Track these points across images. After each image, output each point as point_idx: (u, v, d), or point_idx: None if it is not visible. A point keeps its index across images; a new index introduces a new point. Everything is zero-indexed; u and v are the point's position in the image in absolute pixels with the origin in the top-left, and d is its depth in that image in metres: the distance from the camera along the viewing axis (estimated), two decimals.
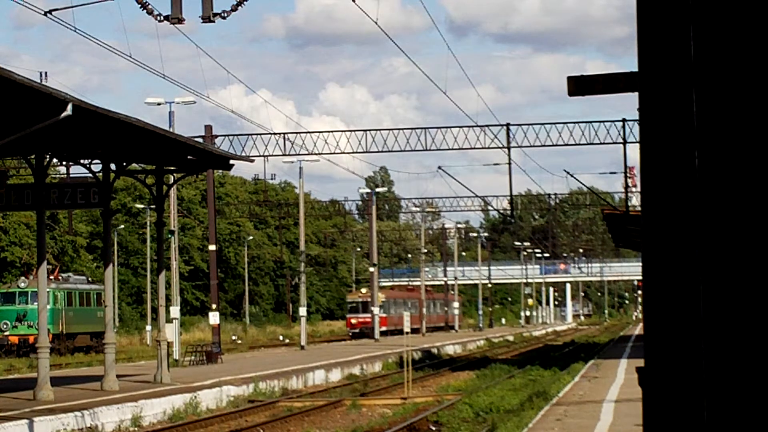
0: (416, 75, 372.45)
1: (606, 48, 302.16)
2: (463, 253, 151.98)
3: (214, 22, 22.81)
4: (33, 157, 33.48)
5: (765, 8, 5.76)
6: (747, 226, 5.72)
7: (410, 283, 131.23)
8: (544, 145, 59.48)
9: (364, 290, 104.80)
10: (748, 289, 5.72)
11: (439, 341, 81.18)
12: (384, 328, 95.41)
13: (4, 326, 68.58)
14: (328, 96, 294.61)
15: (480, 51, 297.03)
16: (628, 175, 58.66)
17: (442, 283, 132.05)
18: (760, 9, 5.77)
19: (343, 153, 62.58)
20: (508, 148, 58.51)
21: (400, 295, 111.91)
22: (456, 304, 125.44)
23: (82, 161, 36.02)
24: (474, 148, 60.02)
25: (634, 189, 68.19)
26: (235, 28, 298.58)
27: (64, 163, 40.59)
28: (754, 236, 5.72)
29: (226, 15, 22.71)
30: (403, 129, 61.74)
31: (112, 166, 35.30)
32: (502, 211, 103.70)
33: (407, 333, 52.50)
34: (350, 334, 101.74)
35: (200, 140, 51.99)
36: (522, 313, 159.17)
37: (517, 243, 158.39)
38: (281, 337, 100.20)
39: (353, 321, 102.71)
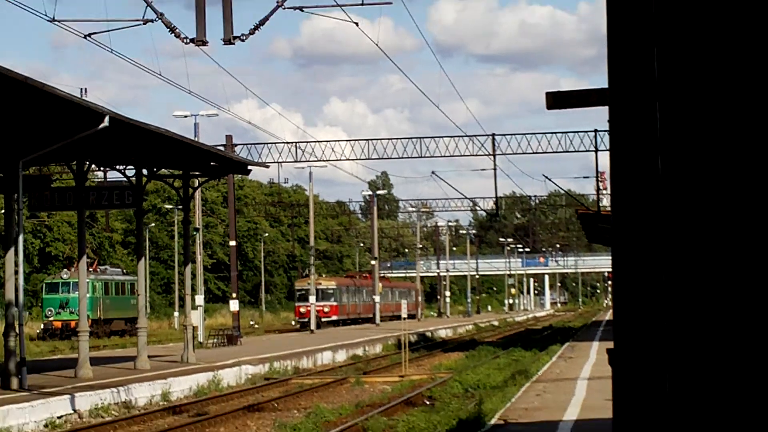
0: (409, 90, 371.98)
1: (576, 67, 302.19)
2: (454, 248, 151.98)
3: (234, 44, 22.75)
4: (74, 163, 33.51)
5: (720, 32, 5.77)
6: (704, 224, 5.73)
7: (407, 274, 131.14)
8: (525, 153, 59.65)
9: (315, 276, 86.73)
10: (705, 279, 5.72)
11: (432, 325, 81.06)
12: (335, 317, 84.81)
13: (49, 312, 68.74)
14: (331, 109, 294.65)
15: (465, 70, 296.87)
16: (599, 179, 58.72)
17: (435, 274, 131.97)
18: (715, 32, 5.78)
19: (348, 159, 62.67)
20: (494, 155, 58.58)
21: (351, 282, 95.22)
22: (449, 295, 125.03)
23: (117, 167, 36.04)
24: (463, 156, 60.21)
25: (604, 191, 68.10)
26: (247, 49, 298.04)
27: (101, 168, 40.60)
28: (710, 233, 5.72)
29: (244, 38, 22.68)
30: (400, 138, 61.86)
31: (144, 171, 35.33)
32: (488, 211, 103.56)
33: (404, 318, 52.47)
34: (298, 323, 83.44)
35: (222, 148, 51.99)
36: (506, 301, 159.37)
37: (501, 239, 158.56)
38: (293, 322, 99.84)
39: (302, 310, 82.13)
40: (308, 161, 63.42)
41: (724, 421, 5.62)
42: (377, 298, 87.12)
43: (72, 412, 25.48)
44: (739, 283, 5.69)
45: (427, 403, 27.60)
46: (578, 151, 59.38)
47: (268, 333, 78.22)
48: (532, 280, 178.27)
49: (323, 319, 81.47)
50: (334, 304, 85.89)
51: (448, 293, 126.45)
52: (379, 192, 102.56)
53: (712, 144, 5.73)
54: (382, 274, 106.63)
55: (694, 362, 5.70)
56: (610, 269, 6.22)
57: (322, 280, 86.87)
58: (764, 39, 5.76)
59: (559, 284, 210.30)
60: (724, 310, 5.69)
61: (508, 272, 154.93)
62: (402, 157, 61.29)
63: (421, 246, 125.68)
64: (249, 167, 42.09)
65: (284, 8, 23.85)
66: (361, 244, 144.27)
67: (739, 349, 5.67)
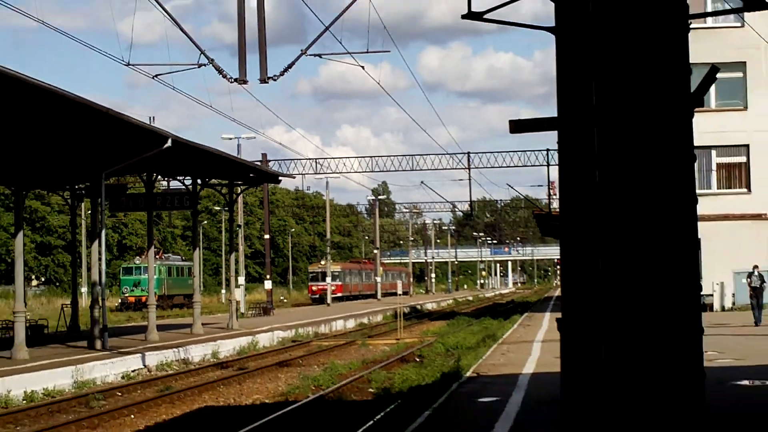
0: (403, 119, 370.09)
1: (532, 101, 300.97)
2: (438, 241, 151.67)
3: (268, 82, 22.59)
4: (144, 174, 33.52)
5: (643, 73, 5.78)
6: (630, 222, 5.75)
7: (401, 260, 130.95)
8: (493, 167, 59.88)
9: (323, 262, 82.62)
10: (632, 265, 5.74)
11: (421, 300, 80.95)
12: (340, 294, 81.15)
13: (125, 290, 68.81)
14: (343, 133, 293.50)
15: (446, 103, 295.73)
16: (550, 187, 58.81)
17: (423, 260, 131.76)
18: (639, 74, 5.80)
19: (356, 172, 62.87)
20: (469, 169, 58.67)
21: (353, 266, 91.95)
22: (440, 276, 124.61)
23: (178, 177, 36.04)
24: (445, 169, 60.30)
25: (554, 196, 68.12)
26: (278, 87, 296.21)
27: (165, 178, 40.45)
28: (636, 228, 5.74)
29: (276, 78, 22.55)
30: (396, 156, 61.99)
31: (198, 181, 35.33)
32: (464, 212, 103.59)
33: (399, 295, 52.42)
34: (311, 299, 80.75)
35: (258, 163, 51.94)
36: (478, 281, 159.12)
37: (474, 233, 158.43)
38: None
39: (314, 288, 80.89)
40: (325, 173, 63.49)
41: (642, 371, 5.63)
42: (379, 279, 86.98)
43: (143, 367, 25.51)
44: (655, 267, 5.71)
45: (418, 360, 27.61)
46: (534, 166, 59.89)
47: (294, 306, 78.09)
48: (498, 265, 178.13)
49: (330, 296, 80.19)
50: (339, 283, 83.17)
51: (433, 275, 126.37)
52: (380, 197, 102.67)
53: (637, 161, 5.75)
54: (383, 260, 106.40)
55: (624, 329, 5.71)
56: (559, 256, 6.23)
57: (330, 265, 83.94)
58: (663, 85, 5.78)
59: (519, 268, 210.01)
60: (644, 288, 5.71)
61: (480, 259, 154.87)
62: (398, 170, 61.62)
63: (412, 239, 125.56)
64: (279, 178, 42.13)
65: (307, 55, 23.80)
66: (366, 237, 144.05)
67: (654, 317, 5.69)
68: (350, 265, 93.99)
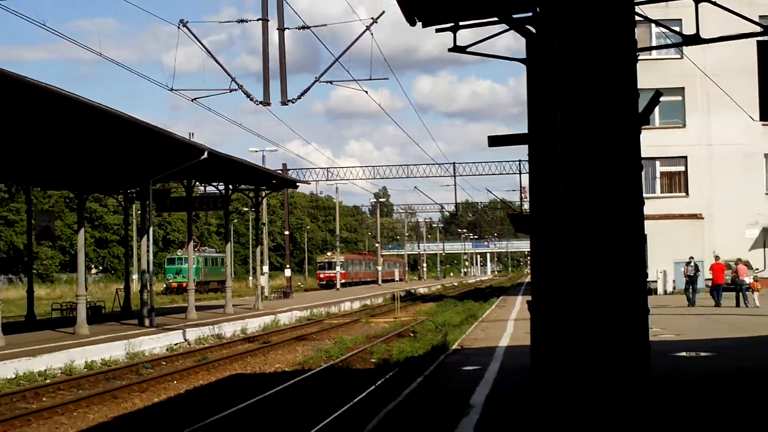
0: (400, 135, 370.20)
1: (507, 120, 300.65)
2: (429, 236, 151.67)
3: (287, 104, 22.52)
4: (185, 180, 33.50)
5: (599, 97, 5.78)
6: (588, 220, 5.74)
7: (398, 252, 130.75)
8: (474, 174, 60.05)
9: (329, 253, 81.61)
10: (590, 256, 5.74)
11: (415, 286, 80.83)
12: (343, 281, 78.00)
13: (169, 277, 68.79)
14: (350, 147, 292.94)
15: (436, 122, 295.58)
16: (522, 191, 58.92)
17: (416, 252, 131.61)
18: (596, 97, 5.80)
19: (360, 179, 62.83)
20: (454, 176, 58.71)
21: (354, 257, 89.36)
22: (429, 265, 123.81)
23: (212, 183, 36.01)
24: (435, 176, 60.57)
25: (525, 199, 68.14)
26: (296, 108, 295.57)
27: (202, 184, 40.41)
28: (593, 226, 5.74)
29: (295, 101, 22.47)
30: (394, 165, 62.13)
31: (230, 186, 35.30)
32: (450, 212, 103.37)
33: (399, 280, 52.29)
34: (319, 285, 77.71)
35: (280, 171, 51.91)
36: (462, 270, 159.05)
37: (459, 230, 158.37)
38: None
39: (321, 275, 78.26)
40: (335, 180, 63.52)
41: (598, 345, 5.63)
42: (380, 268, 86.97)
43: (183, 340, 25.51)
44: (609, 258, 5.70)
45: (412, 335, 27.60)
46: (509, 174, 59.82)
47: (308, 291, 78.07)
48: (478, 256, 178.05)
49: (333, 282, 77.63)
50: (342, 271, 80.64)
51: (424, 265, 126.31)
52: (380, 199, 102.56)
53: (593, 171, 5.75)
54: (383, 252, 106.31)
55: (584, 309, 5.71)
56: (529, 249, 6.23)
57: (335, 256, 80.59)
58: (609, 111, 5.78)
59: (496, 259, 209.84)
60: (600, 276, 5.71)
61: (463, 251, 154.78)
62: (395, 177, 61.63)
63: (407, 234, 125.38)
64: (297, 184, 42.09)
65: (320, 82, 23.77)
66: (369, 233, 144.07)
67: (608, 299, 5.69)
68: (352, 256, 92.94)
